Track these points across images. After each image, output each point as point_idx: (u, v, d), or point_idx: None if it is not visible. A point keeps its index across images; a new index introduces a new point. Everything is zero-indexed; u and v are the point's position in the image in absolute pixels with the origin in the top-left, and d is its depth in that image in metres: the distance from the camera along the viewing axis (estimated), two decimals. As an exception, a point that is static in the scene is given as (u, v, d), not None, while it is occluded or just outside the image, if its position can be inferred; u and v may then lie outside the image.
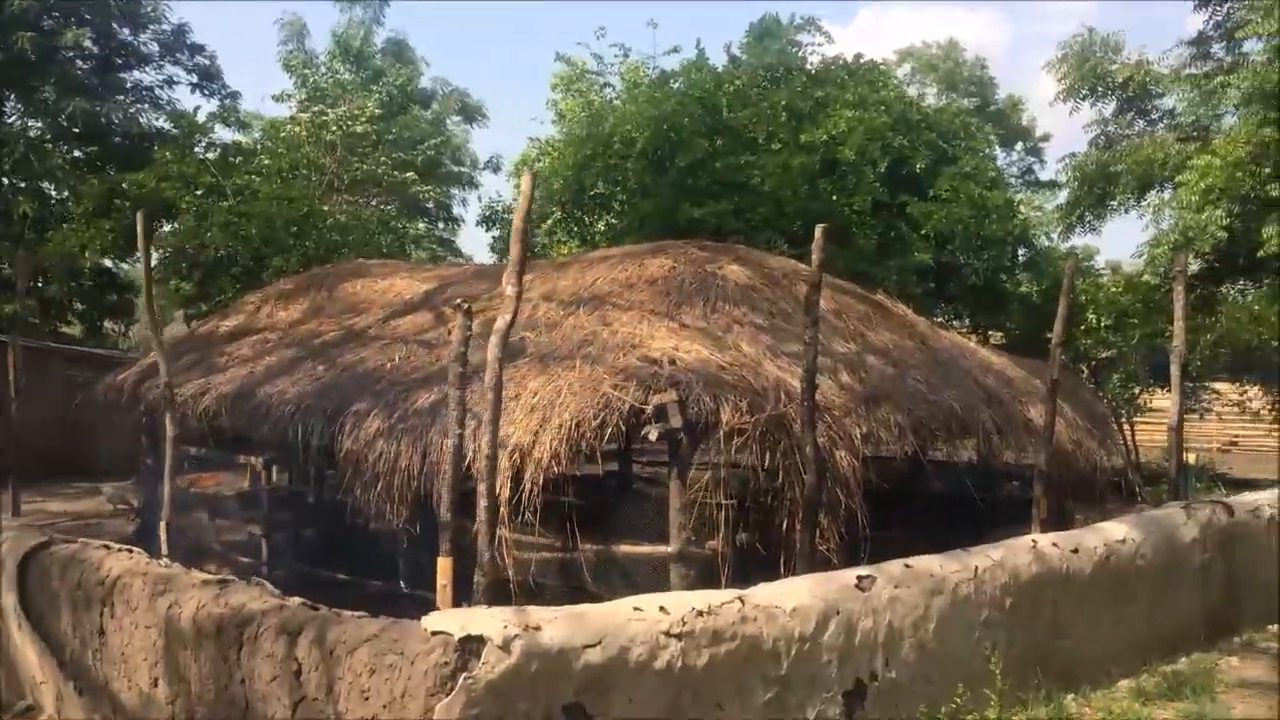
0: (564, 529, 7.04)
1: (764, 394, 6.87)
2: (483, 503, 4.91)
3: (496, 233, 25.50)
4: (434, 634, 4.11)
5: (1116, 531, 8.00)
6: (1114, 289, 18.87)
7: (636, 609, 5.01)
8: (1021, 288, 19.68)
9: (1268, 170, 10.92)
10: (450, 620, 4.23)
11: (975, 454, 8.19)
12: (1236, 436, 30.61)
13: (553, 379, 7.12)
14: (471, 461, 7.08)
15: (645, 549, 6.94)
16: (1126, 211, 13.00)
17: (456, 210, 30.12)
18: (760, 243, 16.15)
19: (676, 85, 19.43)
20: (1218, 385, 22.12)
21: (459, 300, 5.53)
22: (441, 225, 31.09)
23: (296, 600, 4.82)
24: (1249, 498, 9.76)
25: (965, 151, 18.07)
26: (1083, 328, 19.95)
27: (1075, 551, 7.50)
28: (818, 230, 6.30)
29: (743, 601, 5.45)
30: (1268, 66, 10.69)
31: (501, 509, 6.62)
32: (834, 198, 17.04)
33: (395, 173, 23.40)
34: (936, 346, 9.14)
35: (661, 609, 5.08)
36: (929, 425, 7.79)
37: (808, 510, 6.33)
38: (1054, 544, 7.38)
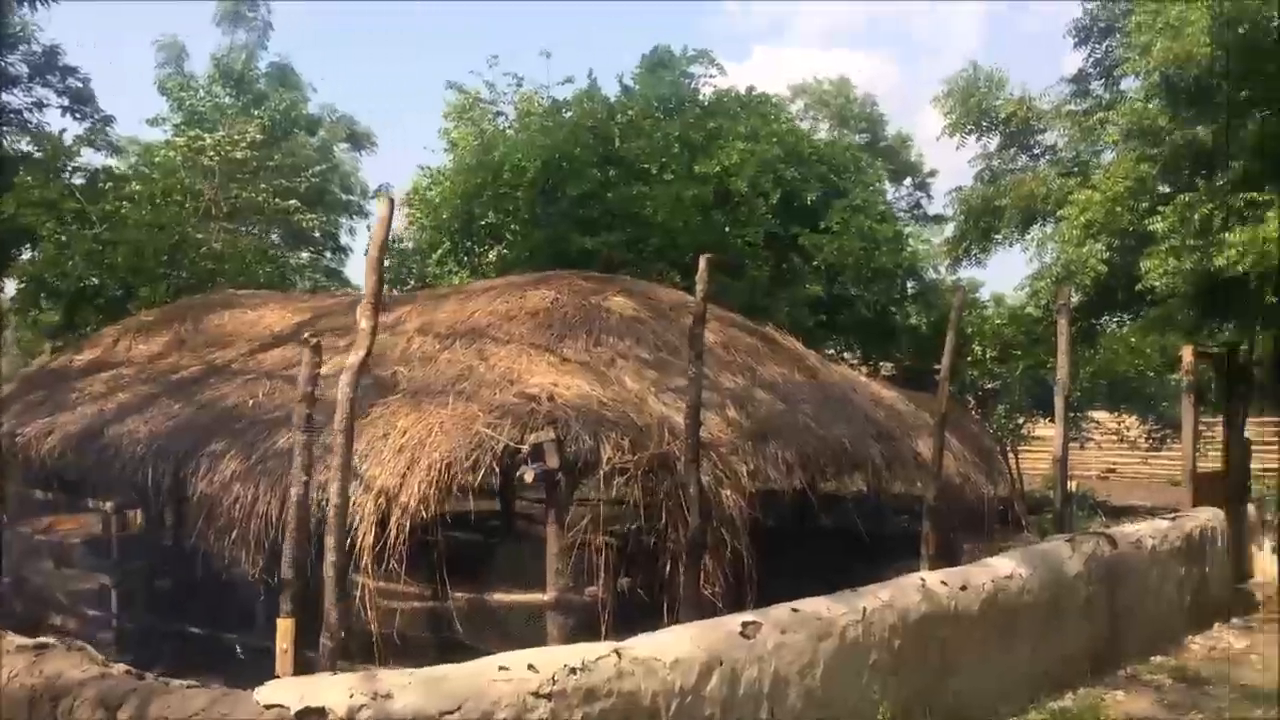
0: (435, 577, 6.63)
1: (647, 431, 6.60)
2: (330, 557, 4.51)
3: (388, 262, 24.83)
4: (268, 707, 3.70)
5: (1004, 567, 7.94)
6: (999, 321, 19.24)
7: (502, 668, 4.66)
8: (910, 320, 19.90)
9: (1145, 205, 11.12)
10: (288, 690, 3.83)
11: (865, 489, 8.03)
12: (1114, 464, 31.62)
13: (424, 417, 6.74)
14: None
15: (521, 597, 6.57)
16: (1010, 245, 13.18)
17: (345, 239, 29.26)
18: (652, 274, 15.99)
19: (569, 115, 19.21)
20: (1097, 414, 22.76)
21: (306, 334, 5.10)
22: (330, 255, 30.28)
23: (121, 668, 4.35)
24: (1131, 529, 9.85)
25: (855, 185, 18.23)
26: (969, 359, 20.28)
27: (963, 589, 7.39)
28: (702, 261, 6.08)
29: (619, 655, 5.14)
30: (1144, 104, 10.92)
31: (365, 557, 6.21)
32: (727, 229, 16.96)
33: (277, 200, 22.61)
34: (826, 380, 9.02)
35: (530, 667, 4.74)
36: (818, 461, 7.62)
37: (692, 553, 6.07)
38: (942, 582, 7.27)
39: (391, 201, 5.05)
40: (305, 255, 27.72)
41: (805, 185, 17.43)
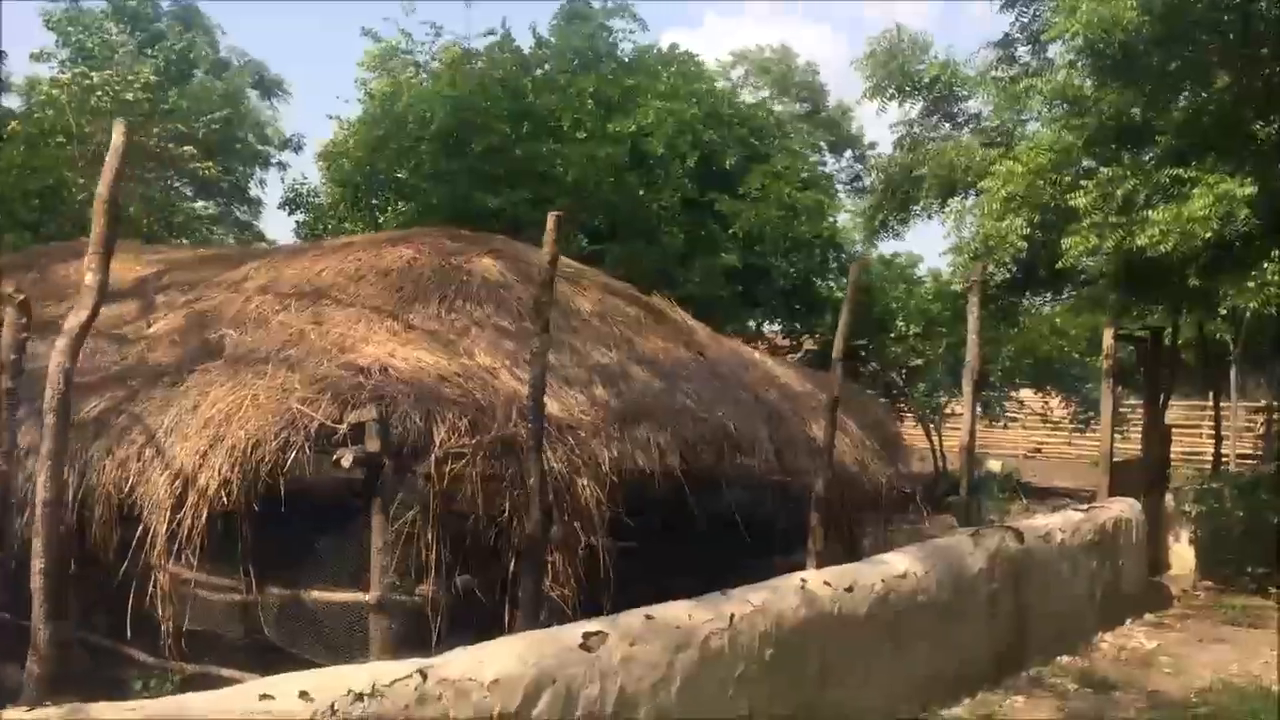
0: (246, 569, 5.81)
1: (491, 410, 5.84)
2: (37, 564, 3.67)
3: (301, 216, 23.78)
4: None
5: (897, 564, 7.32)
6: (925, 296, 18.77)
7: (264, 696, 3.88)
8: (836, 293, 19.32)
9: (1068, 179, 10.53)
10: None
11: (753, 477, 7.35)
12: (1041, 444, 31.57)
13: (238, 388, 5.90)
14: (133, 487, 5.83)
15: (341, 595, 5.78)
16: (930, 217, 12.56)
17: (256, 192, 27.87)
18: (560, 236, 15.16)
19: (479, 65, 18.22)
20: (1023, 393, 22.48)
21: (12, 290, 4.23)
22: (242, 208, 28.93)
23: None
24: (1040, 522, 9.33)
25: (778, 150, 17.53)
26: (894, 335, 19.81)
27: (850, 590, 6.76)
28: (550, 218, 5.29)
29: (424, 676, 4.39)
30: (1069, 69, 10.31)
31: (158, 547, 5.39)
32: (641, 192, 16.19)
33: (171, 146, 21.30)
34: (715, 357, 8.30)
35: (303, 695, 3.97)
36: (698, 445, 6.90)
37: (531, 551, 5.33)
38: (826, 582, 6.62)
39: (126, 130, 4.19)
40: (202, 205, 26.39)
41: (725, 149, 16.69)
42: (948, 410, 20.73)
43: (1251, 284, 9.89)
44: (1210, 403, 15.63)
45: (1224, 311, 11.22)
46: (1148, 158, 10.43)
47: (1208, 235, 9.42)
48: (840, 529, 8.10)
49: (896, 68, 12.27)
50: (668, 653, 5.47)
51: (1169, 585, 12.07)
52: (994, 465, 27.44)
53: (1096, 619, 9.87)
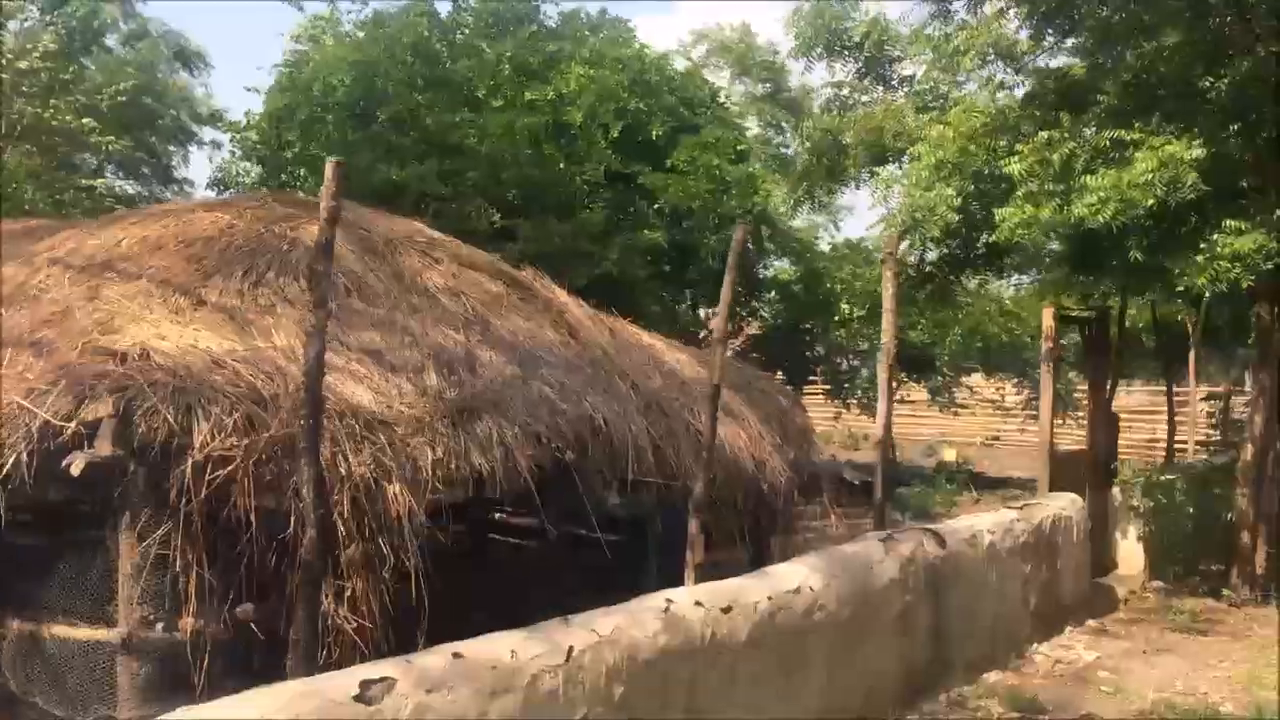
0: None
1: (272, 405, 4.84)
2: None
3: (228, 193, 22.63)
4: None
5: (789, 577, 6.39)
6: (869, 276, 17.92)
7: None
8: (770, 272, 18.48)
9: (1004, 143, 9.64)
10: None
11: (624, 479, 6.40)
12: (999, 431, 30.86)
13: (-25, 376, 4.87)
14: None
15: (84, 632, 4.78)
16: (857, 187, 11.65)
17: (184, 172, 26.53)
18: (468, 211, 14.19)
19: (389, 29, 17.12)
20: (974, 378, 21.73)
21: None
22: (167, 187, 27.59)
23: None
24: (965, 524, 8.44)
25: (711, 120, 16.57)
26: (837, 319, 18.97)
27: (728, 610, 5.82)
28: (328, 167, 4.30)
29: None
30: (1002, 18, 9.42)
31: None
32: (560, 165, 15.19)
33: (68, 119, 20.04)
34: (589, 339, 7.34)
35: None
36: (555, 442, 5.94)
37: (306, 576, 4.34)
38: (697, 603, 5.68)
39: None
40: (128, 186, 25.12)
41: (652, 118, 15.71)
42: (897, 398, 19.92)
43: (1200, 258, 9.07)
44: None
45: (1179, 289, 10.38)
46: (1089, 120, 9.53)
47: (1150, 203, 8.57)
48: (742, 537, 7.16)
49: (823, 25, 11.32)
50: (480, 699, 4.51)
51: (1116, 587, 11.27)
52: (948, 454, 26.74)
53: (1032, 628, 9.03)
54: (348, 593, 4.73)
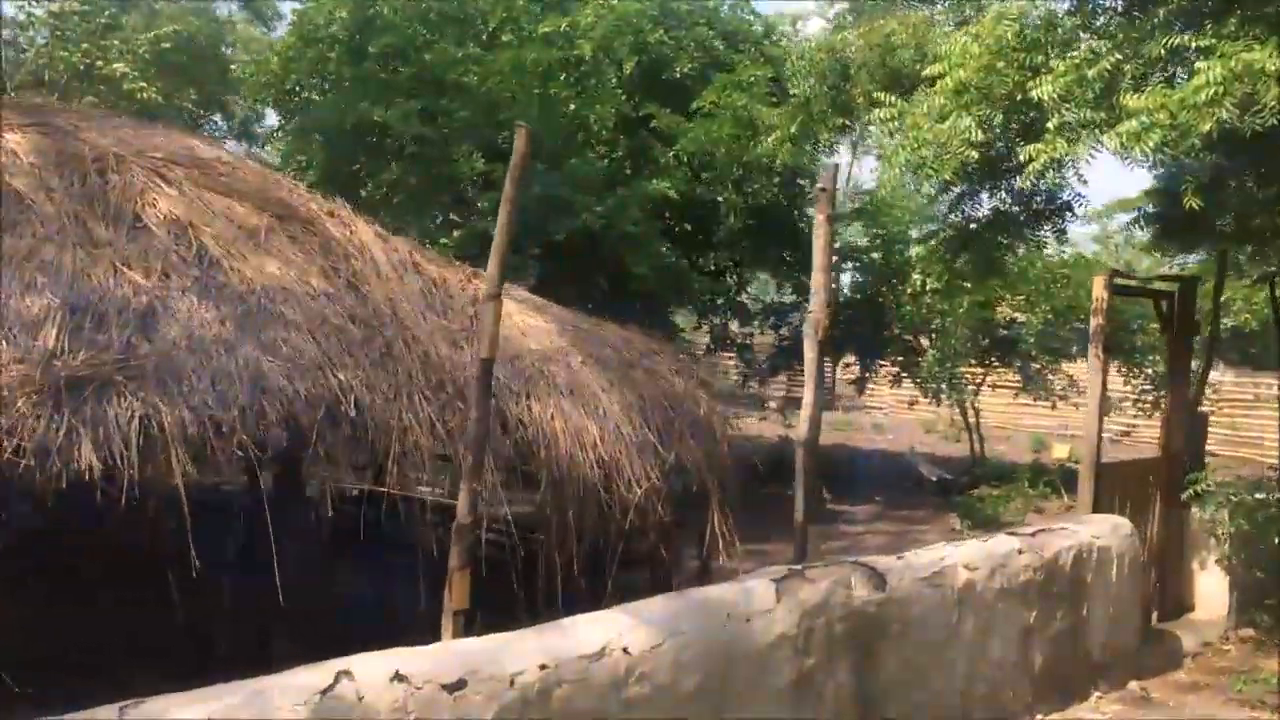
0: None
1: None
2: None
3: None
4: None
5: (592, 635, 4.60)
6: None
7: None
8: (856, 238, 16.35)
9: (1041, 58, 7.50)
10: None
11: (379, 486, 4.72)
12: (1131, 426, 27.67)
13: None
14: None
15: None
16: (868, 123, 9.52)
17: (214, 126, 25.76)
18: (452, 156, 12.66)
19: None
20: (1077, 366, 19.02)
21: None
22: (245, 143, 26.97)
23: None
24: (931, 556, 6.43)
25: (756, 59, 14.52)
26: (909, 292, 16.77)
27: (458, 689, 4.08)
28: None
29: None
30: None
31: None
32: (572, 106, 13.48)
33: (100, 64, 19.36)
34: (379, 295, 5.63)
35: None
36: (250, 431, 4.29)
37: None
38: (398, 677, 3.95)
39: None
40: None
41: (678, 54, 13.81)
42: (965, 383, 17.58)
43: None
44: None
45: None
46: (1148, 25, 7.29)
47: (1209, 128, 6.33)
48: (594, 570, 5.39)
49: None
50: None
51: (1187, 636, 9.01)
52: (1059, 451, 23.97)
53: (1034, 696, 7.02)
54: None
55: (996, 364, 17.49)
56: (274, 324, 4.85)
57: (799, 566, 5.64)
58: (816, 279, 5.89)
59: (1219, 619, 9.31)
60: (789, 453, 19.29)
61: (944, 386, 16.11)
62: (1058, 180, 7.93)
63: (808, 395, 5.89)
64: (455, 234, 11.91)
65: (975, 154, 8.00)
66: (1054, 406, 18.20)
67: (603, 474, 5.42)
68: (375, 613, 4.87)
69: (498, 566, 4.99)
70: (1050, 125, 7.38)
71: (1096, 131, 7.08)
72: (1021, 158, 7.55)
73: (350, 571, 5.36)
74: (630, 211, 11.77)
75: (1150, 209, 10.09)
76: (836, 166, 6.81)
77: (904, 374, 17.35)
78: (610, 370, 6.04)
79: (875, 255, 17.88)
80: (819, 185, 6.14)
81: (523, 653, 4.32)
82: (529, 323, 6.27)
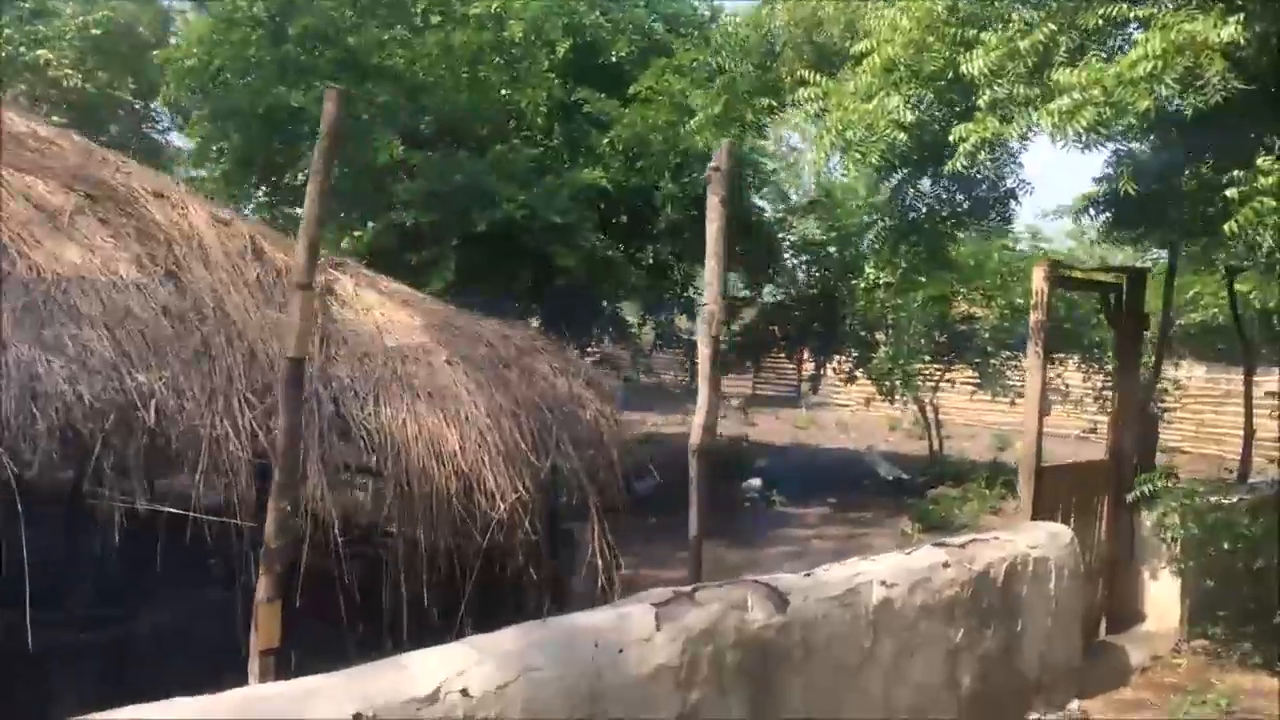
0: None
1: None
2: None
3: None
4: None
5: (428, 674, 4.02)
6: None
7: None
8: (779, 231, 15.85)
9: (973, 32, 7.00)
10: None
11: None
12: (1096, 424, 27.32)
13: None
14: None
15: None
16: (795, 104, 8.98)
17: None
18: (369, 143, 12.05)
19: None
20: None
21: None
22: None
23: None
24: (844, 573, 5.89)
25: (698, 43, 13.96)
26: (861, 286, 16.30)
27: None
28: None
29: None
30: None
31: None
32: (503, 92, 12.91)
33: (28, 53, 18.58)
34: (203, 284, 5.04)
35: None
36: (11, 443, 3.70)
37: None
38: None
39: None
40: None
41: (614, 37, 13.25)
42: (934, 381, 17.15)
43: (1234, 192, 6.31)
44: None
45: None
46: (1088, -2, 6.78)
47: (1146, 106, 5.84)
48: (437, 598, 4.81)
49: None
50: None
51: (1134, 649, 8.54)
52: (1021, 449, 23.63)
53: (962, 720, 6.47)
54: None
55: (954, 361, 17.02)
56: (61, 319, 4.26)
57: (687, 589, 5.08)
58: (710, 268, 5.34)
59: (1170, 630, 8.85)
60: (746, 453, 18.97)
61: (898, 384, 15.60)
62: (992, 164, 7.40)
63: (701, 397, 5.34)
64: (370, 225, 11.32)
65: (904, 135, 7.51)
66: (1013, 404, 17.77)
67: (461, 486, 4.86)
68: (178, 653, 4.29)
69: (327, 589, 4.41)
70: (981, 103, 6.89)
71: (1029, 110, 6.60)
72: (952, 138, 7.05)
73: (153, 606, 4.77)
74: (556, 201, 11.19)
75: (1101, 198, 9.64)
76: (733, 144, 6.22)
77: (857, 371, 16.87)
78: (481, 370, 5.49)
79: (831, 249, 17.43)
80: (711, 165, 5.58)
81: (336, 698, 3.76)
82: (392, 317, 5.70)
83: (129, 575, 4.34)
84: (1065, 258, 17.11)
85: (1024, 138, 6.79)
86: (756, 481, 15.19)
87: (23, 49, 18.70)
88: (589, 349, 14.95)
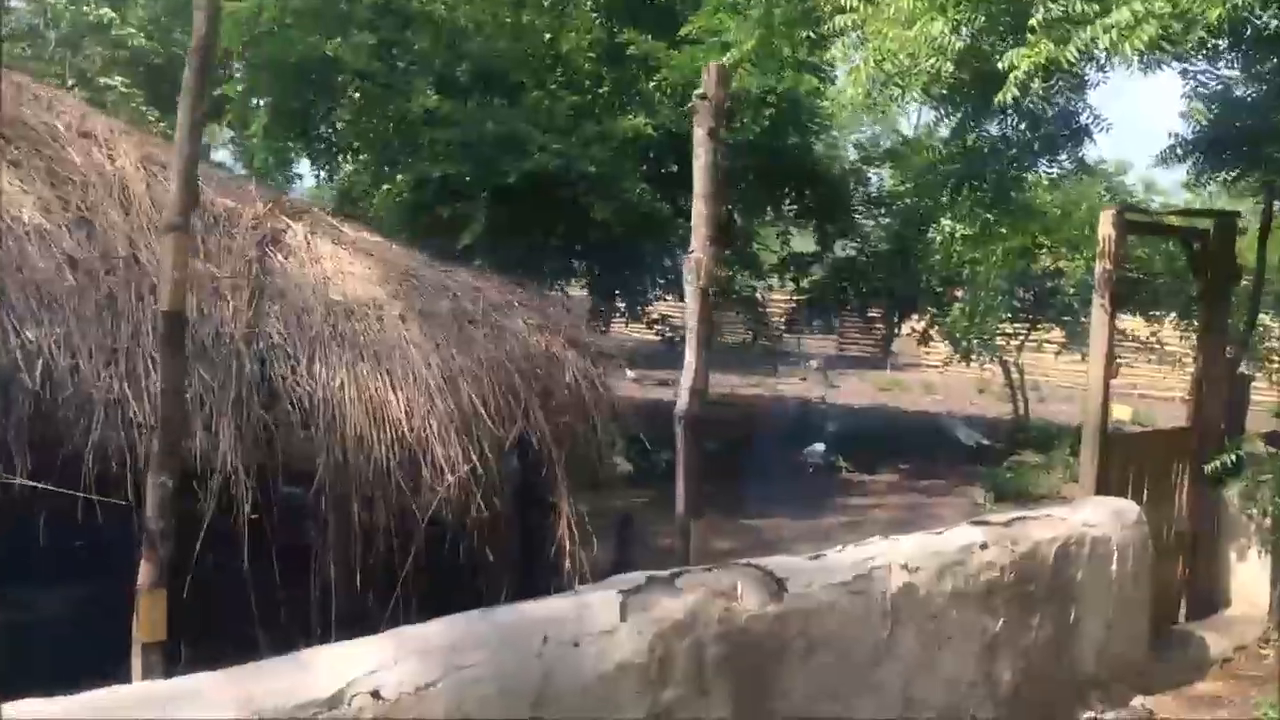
0: None
1: None
2: None
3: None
4: None
5: (332, 674, 3.55)
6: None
7: None
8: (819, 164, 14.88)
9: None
10: None
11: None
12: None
13: None
14: None
15: None
16: (840, 35, 8.22)
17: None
18: (409, 92, 11.62)
19: None
20: (1133, 320, 17.48)
21: None
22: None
23: None
24: (859, 554, 5.26)
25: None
26: (939, 240, 15.35)
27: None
28: None
29: None
30: None
31: None
32: (547, 37, 12.35)
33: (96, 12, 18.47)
34: (118, 234, 4.59)
35: None
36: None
37: None
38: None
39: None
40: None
41: (668, -32, 12.57)
42: (1013, 343, 16.19)
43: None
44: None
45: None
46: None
47: (1218, 15, 5.04)
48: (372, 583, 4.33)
49: None
50: None
51: (1217, 637, 7.74)
52: (1120, 411, 22.35)
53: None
54: None
55: (1037, 318, 16.05)
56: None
57: (664, 573, 4.53)
58: (697, 208, 4.74)
59: (1259, 616, 8.01)
60: (820, 415, 18.26)
61: (974, 343, 14.73)
62: (1048, 95, 6.61)
63: (689, 357, 4.74)
64: (399, 179, 10.88)
65: (950, 65, 6.75)
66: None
67: (405, 456, 4.37)
68: (63, 647, 3.90)
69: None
70: (1033, 22, 6.10)
71: (1086, 28, 5.80)
72: (1002, 65, 6.28)
73: (35, 596, 4.38)
74: (593, 150, 10.59)
75: (1190, 136, 8.72)
76: (722, 68, 5.55)
77: (932, 330, 16.03)
78: (442, 328, 4.98)
79: (907, 200, 16.53)
80: (697, 92, 4.96)
81: (216, 700, 3.30)
82: (344, 269, 5.22)
83: (6, 561, 3.94)
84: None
85: (1080, 61, 5.98)
86: (820, 447, 14.49)
87: (86, 8, 18.56)
88: (643, 307, 14.41)
